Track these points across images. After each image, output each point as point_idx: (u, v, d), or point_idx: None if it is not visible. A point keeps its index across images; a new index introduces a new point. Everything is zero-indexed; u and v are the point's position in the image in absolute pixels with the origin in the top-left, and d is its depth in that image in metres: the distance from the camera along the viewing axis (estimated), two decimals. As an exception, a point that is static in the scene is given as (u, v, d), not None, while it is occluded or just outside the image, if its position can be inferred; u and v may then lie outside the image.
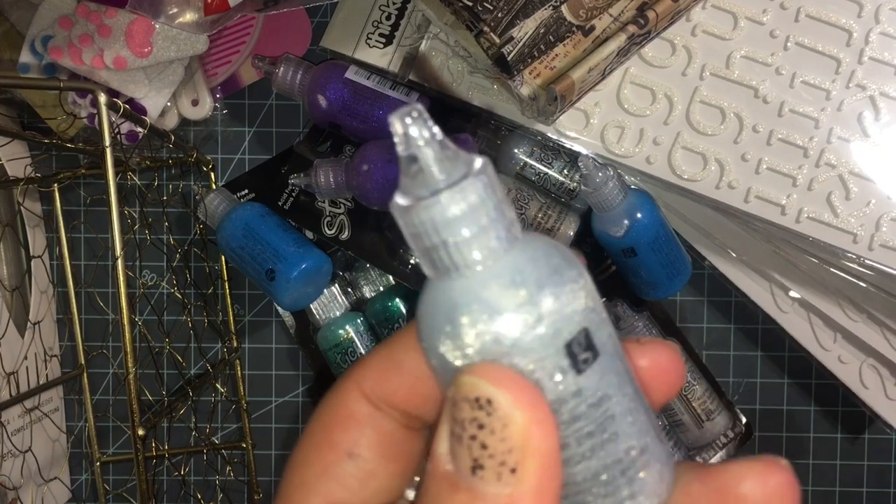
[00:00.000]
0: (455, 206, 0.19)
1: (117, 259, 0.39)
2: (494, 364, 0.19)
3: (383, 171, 0.49)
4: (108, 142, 0.39)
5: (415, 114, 0.19)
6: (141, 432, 0.40)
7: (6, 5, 0.51)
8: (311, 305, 0.54)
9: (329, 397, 0.23)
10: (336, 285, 0.55)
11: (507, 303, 0.19)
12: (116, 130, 0.43)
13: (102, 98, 0.39)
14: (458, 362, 0.19)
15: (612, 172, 0.47)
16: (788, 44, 0.48)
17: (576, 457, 0.19)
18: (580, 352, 0.19)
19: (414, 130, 0.19)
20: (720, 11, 0.49)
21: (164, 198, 0.57)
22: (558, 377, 0.19)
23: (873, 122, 0.48)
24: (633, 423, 0.20)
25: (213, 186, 0.56)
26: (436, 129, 0.19)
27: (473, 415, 0.19)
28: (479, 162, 0.19)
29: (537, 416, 0.19)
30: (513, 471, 0.18)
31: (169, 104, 0.53)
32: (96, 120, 0.50)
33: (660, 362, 0.23)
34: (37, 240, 0.56)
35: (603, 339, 0.20)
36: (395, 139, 0.19)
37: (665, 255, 0.49)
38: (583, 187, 0.48)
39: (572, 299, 0.19)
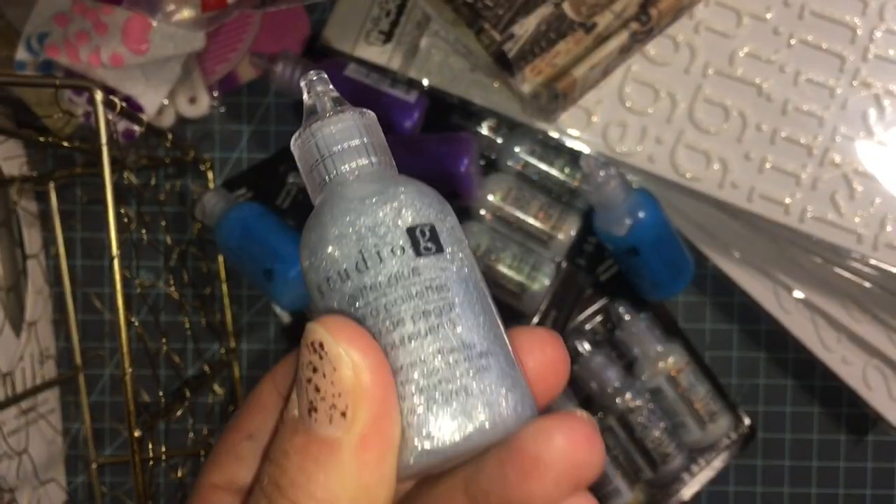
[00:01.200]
0: (332, 126, 0.23)
1: (114, 259, 0.38)
2: (338, 316, 0.21)
3: None
4: (104, 140, 0.38)
5: (319, 74, 0.25)
6: (137, 434, 0.40)
7: (3, 3, 0.51)
8: (310, 305, 0.54)
9: (252, 391, 0.25)
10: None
11: (367, 191, 0.22)
12: (113, 128, 0.43)
13: (99, 96, 0.39)
14: (330, 248, 0.22)
15: (613, 171, 0.47)
16: (792, 41, 0.48)
17: (413, 334, 0.21)
18: (423, 240, 0.22)
19: (317, 85, 0.24)
20: (723, 8, 0.48)
21: (162, 197, 0.56)
22: (398, 252, 0.22)
23: (878, 120, 0.48)
24: (479, 325, 0.22)
25: (211, 185, 0.56)
26: (332, 88, 0.25)
27: (310, 358, 0.20)
28: (363, 109, 0.24)
29: (369, 362, 0.20)
30: (343, 414, 0.19)
31: (166, 102, 0.53)
32: (92, 118, 0.49)
33: (543, 341, 0.23)
34: (32, 239, 0.56)
35: (453, 251, 0.22)
36: (304, 95, 0.25)
37: (668, 254, 0.49)
38: (584, 186, 0.48)
39: (428, 204, 0.23)
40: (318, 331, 0.20)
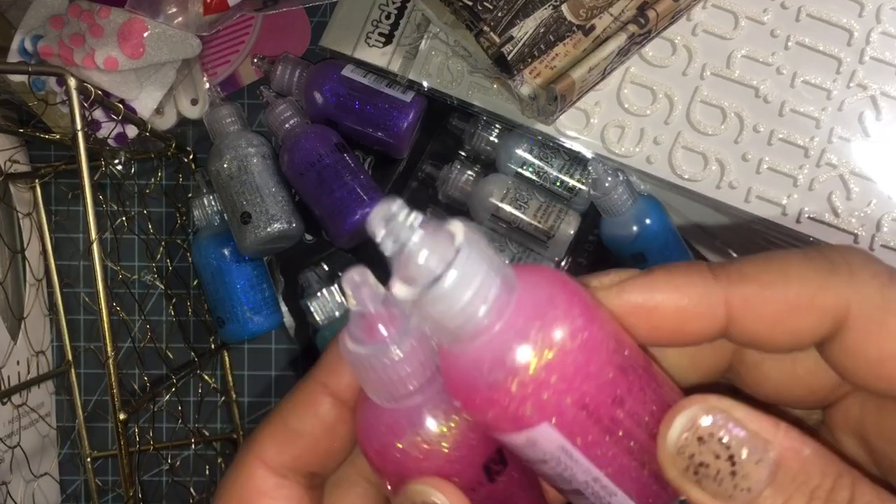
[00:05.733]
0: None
1: (92, 243, 0.38)
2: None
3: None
4: (79, 126, 0.38)
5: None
6: (122, 416, 0.40)
7: (4, 5, 0.51)
8: (311, 306, 0.54)
9: (234, 476, 0.24)
10: (335, 286, 0.55)
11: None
12: (89, 116, 0.43)
13: (72, 82, 0.39)
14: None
15: (621, 178, 0.48)
16: (789, 43, 0.48)
17: None
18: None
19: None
20: (721, 11, 0.49)
21: (148, 190, 0.57)
22: None
23: (874, 121, 0.48)
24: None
25: (203, 189, 0.56)
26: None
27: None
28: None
29: None
30: None
31: (158, 106, 0.53)
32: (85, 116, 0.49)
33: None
34: (28, 235, 0.56)
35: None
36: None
37: (675, 261, 0.49)
38: (592, 192, 0.48)
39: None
40: (430, 492, 0.21)
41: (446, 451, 0.21)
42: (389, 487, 0.22)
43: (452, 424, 0.21)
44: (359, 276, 0.21)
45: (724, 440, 0.19)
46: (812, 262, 0.21)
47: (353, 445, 0.24)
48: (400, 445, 0.21)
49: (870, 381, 0.21)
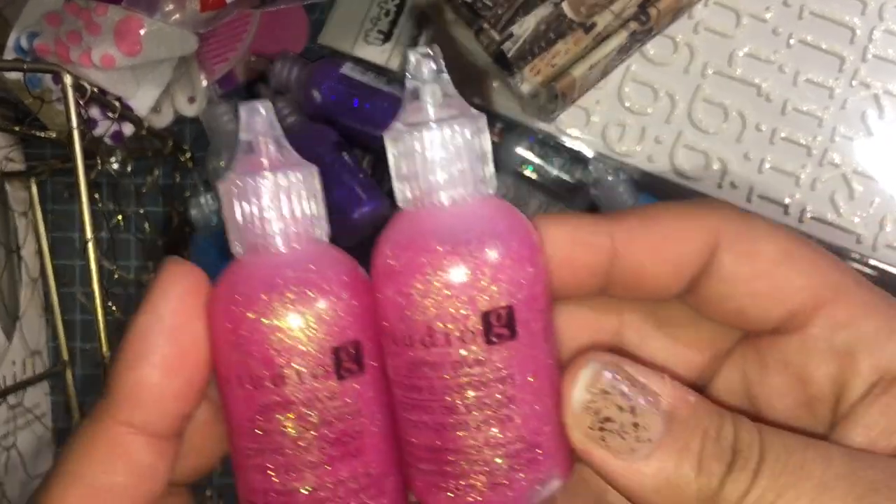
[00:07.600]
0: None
1: (87, 242, 0.38)
2: None
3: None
4: (74, 123, 0.38)
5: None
6: None
7: (0, 3, 0.51)
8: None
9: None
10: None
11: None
12: (85, 114, 0.43)
13: (68, 79, 0.38)
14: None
15: (622, 176, 0.47)
16: (791, 41, 0.48)
17: None
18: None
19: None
20: (723, 8, 0.48)
21: (145, 189, 0.56)
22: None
23: (877, 120, 0.48)
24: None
25: (201, 188, 0.55)
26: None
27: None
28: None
29: None
30: None
31: (155, 104, 0.52)
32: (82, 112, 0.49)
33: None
34: (24, 234, 0.56)
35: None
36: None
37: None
38: (593, 191, 0.48)
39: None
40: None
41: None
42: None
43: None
44: (259, 105, 0.21)
45: (625, 391, 0.20)
46: (683, 203, 0.23)
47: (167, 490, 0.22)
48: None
49: (746, 304, 0.22)
